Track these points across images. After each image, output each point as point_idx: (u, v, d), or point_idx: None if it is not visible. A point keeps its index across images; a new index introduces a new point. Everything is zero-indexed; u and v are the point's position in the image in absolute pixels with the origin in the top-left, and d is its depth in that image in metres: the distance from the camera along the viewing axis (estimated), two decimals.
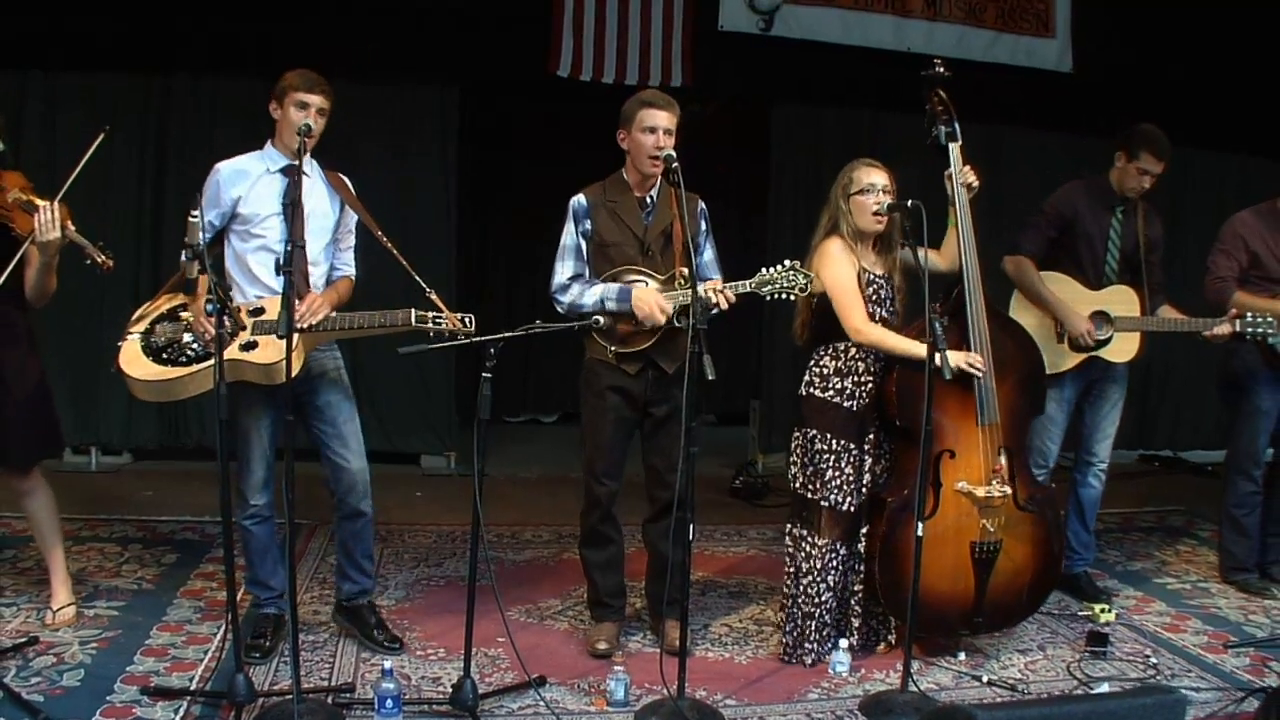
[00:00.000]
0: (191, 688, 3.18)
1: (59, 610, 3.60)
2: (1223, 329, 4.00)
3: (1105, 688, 3.32)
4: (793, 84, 6.52)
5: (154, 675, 3.27)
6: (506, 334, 3.08)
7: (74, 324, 5.59)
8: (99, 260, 3.28)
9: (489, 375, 3.01)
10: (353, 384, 3.64)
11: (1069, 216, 4.18)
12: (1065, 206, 4.20)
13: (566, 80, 6.16)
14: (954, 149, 3.57)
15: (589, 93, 5.99)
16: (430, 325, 3.23)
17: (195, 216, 2.89)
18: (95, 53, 5.67)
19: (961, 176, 3.54)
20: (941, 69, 3.61)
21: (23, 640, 3.39)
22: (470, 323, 3.24)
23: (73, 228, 3.24)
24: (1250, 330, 3.97)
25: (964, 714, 2.48)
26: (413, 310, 3.26)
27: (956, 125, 3.58)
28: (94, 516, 4.94)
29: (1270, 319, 3.98)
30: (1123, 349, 4.15)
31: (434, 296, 3.24)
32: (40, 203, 3.22)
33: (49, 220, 3.17)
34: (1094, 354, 4.12)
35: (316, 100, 3.33)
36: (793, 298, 3.45)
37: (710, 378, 2.99)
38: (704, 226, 3.70)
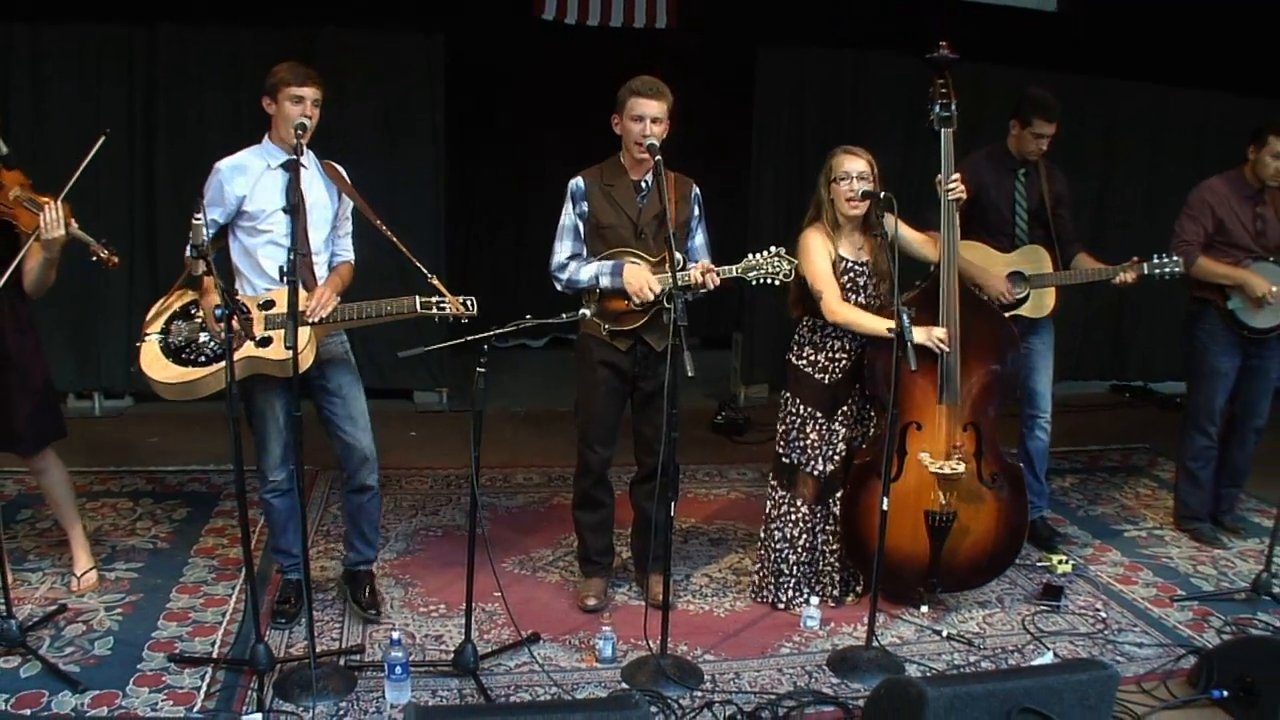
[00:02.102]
0: (214, 654, 3.42)
1: (82, 576, 3.83)
2: (1128, 275, 4.22)
3: (1049, 657, 3.58)
4: (776, 25, 6.53)
5: (178, 641, 3.50)
6: (499, 329, 3.23)
7: (74, 270, 5.62)
8: (103, 256, 3.38)
9: (483, 369, 3.17)
10: None
11: (974, 188, 4.29)
12: (969, 179, 4.31)
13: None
14: (946, 134, 3.69)
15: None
16: (434, 311, 3.36)
17: (199, 219, 3.01)
18: (79, 4, 5.65)
19: (950, 188, 3.66)
20: (947, 52, 3.67)
21: (53, 609, 3.62)
22: (472, 305, 3.37)
23: (75, 224, 3.34)
24: (1156, 271, 4.19)
25: (915, 689, 2.73)
26: (417, 297, 3.38)
27: (954, 111, 3.68)
28: (103, 469, 5.12)
29: (1177, 258, 4.22)
30: (1040, 305, 4.36)
31: (436, 281, 3.36)
32: (44, 201, 3.32)
33: (54, 219, 3.28)
34: (1014, 312, 4.30)
35: (311, 93, 3.36)
36: (776, 283, 3.61)
37: (690, 374, 3.17)
38: (696, 211, 3.81)
